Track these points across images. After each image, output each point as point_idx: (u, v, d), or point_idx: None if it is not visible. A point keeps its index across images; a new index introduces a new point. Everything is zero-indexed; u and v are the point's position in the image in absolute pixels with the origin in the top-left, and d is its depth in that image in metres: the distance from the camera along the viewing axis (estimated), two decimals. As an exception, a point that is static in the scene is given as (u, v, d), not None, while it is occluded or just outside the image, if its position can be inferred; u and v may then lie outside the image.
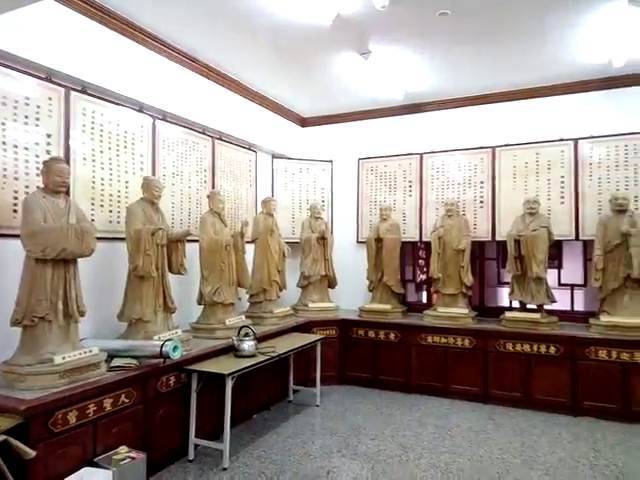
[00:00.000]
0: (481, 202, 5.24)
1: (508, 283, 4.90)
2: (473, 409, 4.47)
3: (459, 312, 4.82)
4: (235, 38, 3.98)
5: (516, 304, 4.87)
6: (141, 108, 3.89)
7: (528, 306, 4.69)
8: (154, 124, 4.03)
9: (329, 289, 5.50)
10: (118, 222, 3.68)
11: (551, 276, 4.76)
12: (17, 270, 2.72)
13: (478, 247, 5.28)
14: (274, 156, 5.82)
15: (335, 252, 5.51)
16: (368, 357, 5.10)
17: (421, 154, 5.55)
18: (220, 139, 4.85)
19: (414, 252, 5.80)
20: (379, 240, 5.25)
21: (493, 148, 5.20)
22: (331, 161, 6.05)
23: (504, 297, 5.23)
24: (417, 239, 5.55)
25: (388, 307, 5.16)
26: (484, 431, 3.97)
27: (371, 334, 5.10)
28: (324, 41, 4.01)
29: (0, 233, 2.91)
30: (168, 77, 4.08)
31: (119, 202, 3.71)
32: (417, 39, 4.01)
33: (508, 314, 4.70)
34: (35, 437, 2.39)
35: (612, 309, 4.34)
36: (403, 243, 5.42)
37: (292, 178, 5.92)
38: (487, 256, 5.39)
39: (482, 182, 5.24)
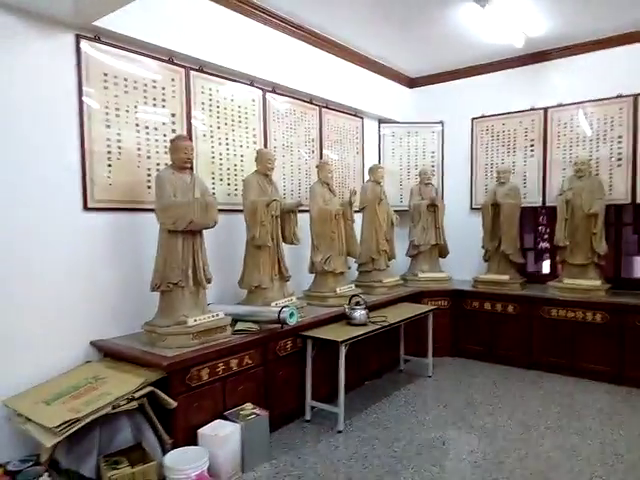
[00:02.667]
0: (619, 160, 4.60)
1: (651, 252, 4.31)
2: (604, 390, 4.07)
3: (590, 284, 4.36)
4: (338, 0, 3.87)
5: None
6: (252, 82, 3.99)
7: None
8: (264, 97, 4.12)
9: (440, 258, 5.30)
10: (235, 195, 3.87)
11: None
12: (152, 240, 3.00)
13: (614, 211, 4.69)
14: (381, 121, 5.66)
15: (446, 219, 5.26)
16: (483, 329, 4.87)
17: (545, 109, 4.99)
18: (327, 107, 4.82)
19: (535, 218, 5.34)
20: (496, 206, 4.89)
21: (635, 96, 4.49)
22: (442, 122, 5.72)
23: (645, 268, 4.63)
24: (539, 204, 5.08)
25: (506, 277, 4.84)
26: (618, 414, 3.61)
27: (487, 306, 4.84)
28: (436, -8, 3.73)
29: (137, 207, 3.22)
30: (276, 48, 4.10)
31: (236, 175, 3.90)
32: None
33: (651, 287, 4.15)
34: (175, 390, 2.67)
35: None
36: (522, 208, 5.00)
37: (400, 143, 5.72)
38: (625, 221, 4.77)
39: (620, 137, 4.58)
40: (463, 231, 5.43)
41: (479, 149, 5.48)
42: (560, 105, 4.91)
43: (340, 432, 3.38)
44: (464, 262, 5.41)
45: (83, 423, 2.27)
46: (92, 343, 3.00)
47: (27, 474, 2.38)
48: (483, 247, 5.06)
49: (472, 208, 5.51)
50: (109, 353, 2.96)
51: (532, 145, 5.10)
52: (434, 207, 5.14)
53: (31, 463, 2.48)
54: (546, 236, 5.31)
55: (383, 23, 4.32)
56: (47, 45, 2.78)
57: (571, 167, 4.65)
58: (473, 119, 5.50)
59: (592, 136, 4.74)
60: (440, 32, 4.50)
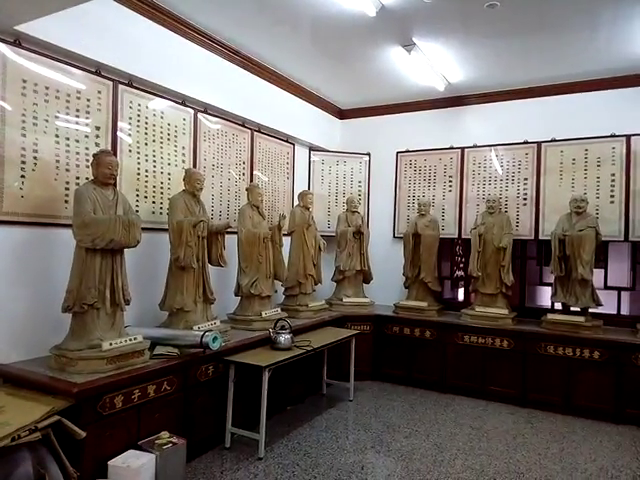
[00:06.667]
0: (524, 199, 5.08)
1: (550, 284, 4.74)
2: (510, 412, 4.37)
3: (498, 312, 4.71)
4: (277, 31, 3.98)
5: (558, 306, 4.72)
6: (184, 101, 3.95)
7: (572, 308, 4.54)
8: (196, 116, 4.08)
9: (364, 284, 5.47)
10: (160, 213, 3.76)
11: (596, 278, 4.57)
12: (66, 258, 2.82)
13: (520, 246, 5.14)
14: (311, 148, 5.81)
15: (371, 247, 5.46)
16: (402, 354, 5.07)
17: (462, 148, 5.42)
18: (259, 131, 4.88)
19: (451, 249, 5.70)
20: (417, 236, 5.17)
21: (539, 143, 5.02)
22: (369, 154, 5.99)
23: (545, 297, 5.08)
24: (456, 236, 5.44)
25: (424, 304, 5.10)
26: (521, 435, 3.88)
27: (406, 331, 5.05)
28: (367, 33, 3.95)
29: (52, 222, 3.02)
30: (211, 70, 4.11)
31: (162, 194, 3.79)
32: (462, 32, 3.90)
33: (550, 316, 4.55)
34: (85, 419, 2.49)
35: (663, 314, 4.15)
36: (441, 239, 5.33)
37: (329, 171, 5.90)
38: (529, 255, 5.24)
39: (526, 178, 5.08)
40: (386, 258, 5.67)
41: (403, 181, 5.79)
42: (475, 146, 5.36)
43: (260, 459, 3.32)
44: (387, 288, 5.62)
45: (-27, 459, 2.04)
46: (-11, 368, 2.73)
47: None
48: (404, 274, 5.31)
49: (395, 237, 5.78)
50: (10, 379, 2.70)
51: (450, 181, 5.49)
52: (360, 234, 5.33)
53: None
54: (461, 266, 5.68)
55: (319, 56, 4.49)
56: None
57: (484, 203, 5.06)
58: (398, 153, 5.82)
59: (502, 176, 5.20)
60: (370, 69, 4.76)
